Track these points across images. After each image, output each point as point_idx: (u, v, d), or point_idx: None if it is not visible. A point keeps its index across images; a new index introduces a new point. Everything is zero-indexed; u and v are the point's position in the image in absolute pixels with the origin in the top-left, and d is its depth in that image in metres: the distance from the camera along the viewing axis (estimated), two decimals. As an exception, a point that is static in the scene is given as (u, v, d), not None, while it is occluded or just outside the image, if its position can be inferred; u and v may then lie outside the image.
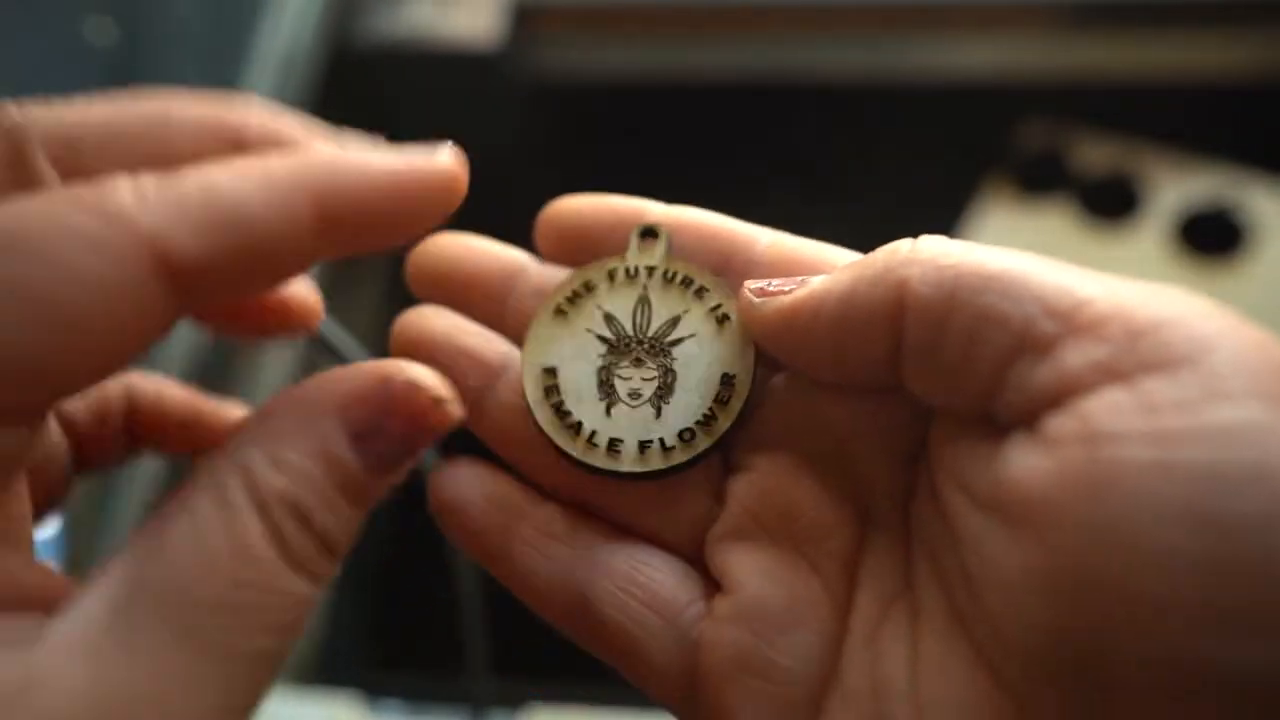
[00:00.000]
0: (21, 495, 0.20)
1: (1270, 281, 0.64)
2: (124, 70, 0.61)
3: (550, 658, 0.56)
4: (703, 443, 0.25)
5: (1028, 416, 0.20)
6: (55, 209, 0.18)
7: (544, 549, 0.25)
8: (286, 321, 0.25)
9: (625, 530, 0.25)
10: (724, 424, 0.25)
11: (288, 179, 0.19)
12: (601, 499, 0.26)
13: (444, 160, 0.21)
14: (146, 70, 0.62)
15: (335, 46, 0.67)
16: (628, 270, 0.27)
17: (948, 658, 0.21)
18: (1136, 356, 0.19)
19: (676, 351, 0.26)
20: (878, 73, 0.72)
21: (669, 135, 0.75)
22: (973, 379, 0.21)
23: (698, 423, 0.25)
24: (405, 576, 0.64)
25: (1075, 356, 0.20)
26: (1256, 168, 0.67)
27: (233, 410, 0.27)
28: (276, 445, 0.19)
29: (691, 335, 0.26)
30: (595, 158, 0.74)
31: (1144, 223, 0.67)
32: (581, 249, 0.27)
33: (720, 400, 0.25)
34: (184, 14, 0.64)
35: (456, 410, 0.21)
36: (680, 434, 0.25)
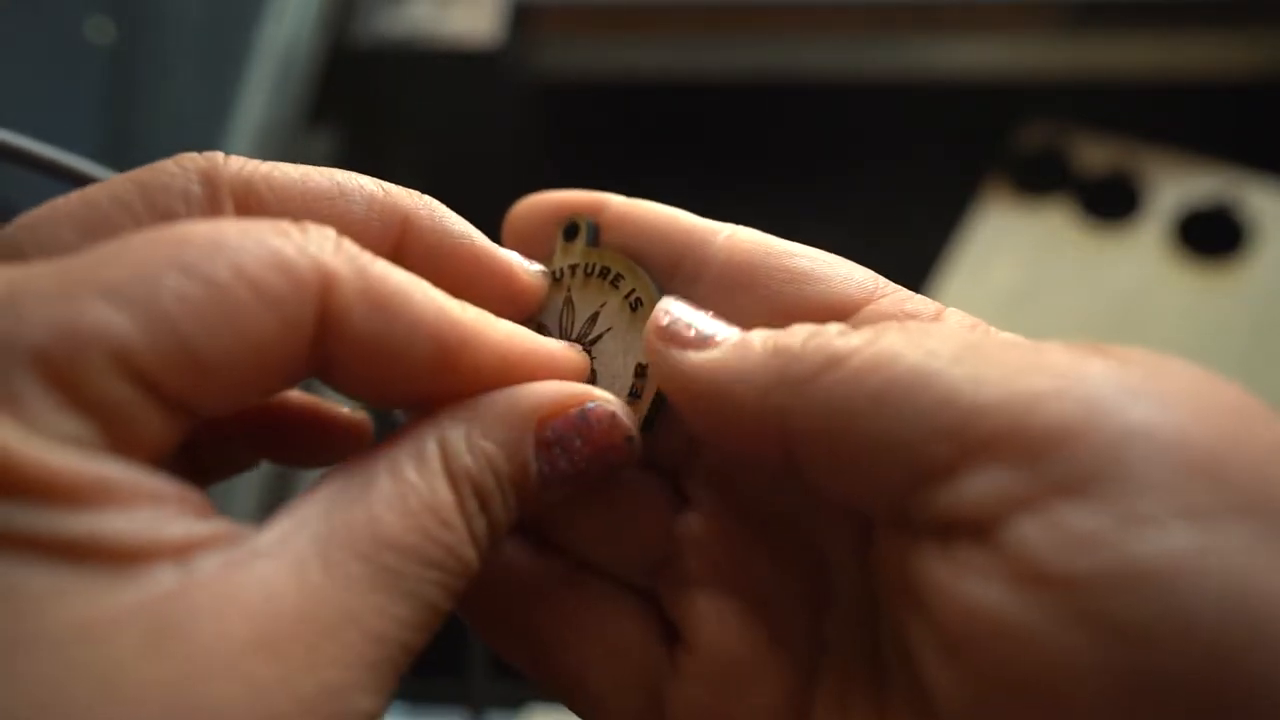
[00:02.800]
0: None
1: (1270, 281, 0.64)
2: (124, 69, 0.61)
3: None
4: None
5: (943, 537, 0.19)
6: (257, 227, 0.20)
7: (506, 593, 0.25)
8: (338, 443, 0.26)
9: (581, 565, 0.25)
10: (640, 414, 0.24)
11: (453, 319, 0.21)
12: (556, 530, 0.25)
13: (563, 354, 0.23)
14: (146, 70, 0.62)
15: (335, 46, 0.67)
16: (554, 274, 0.26)
17: None
18: (1043, 480, 0.18)
19: (596, 349, 0.25)
20: (877, 72, 0.72)
21: (669, 135, 0.75)
22: (878, 499, 0.20)
23: None
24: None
25: (977, 485, 0.18)
26: (1256, 168, 0.67)
27: (357, 414, 0.27)
28: (474, 430, 0.21)
29: (609, 329, 0.25)
30: (595, 158, 0.74)
31: (1144, 223, 0.67)
32: (541, 247, 0.27)
33: (634, 393, 0.24)
34: (184, 13, 0.64)
35: (639, 449, 0.23)
36: None
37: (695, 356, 0.22)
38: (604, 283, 0.25)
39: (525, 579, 0.24)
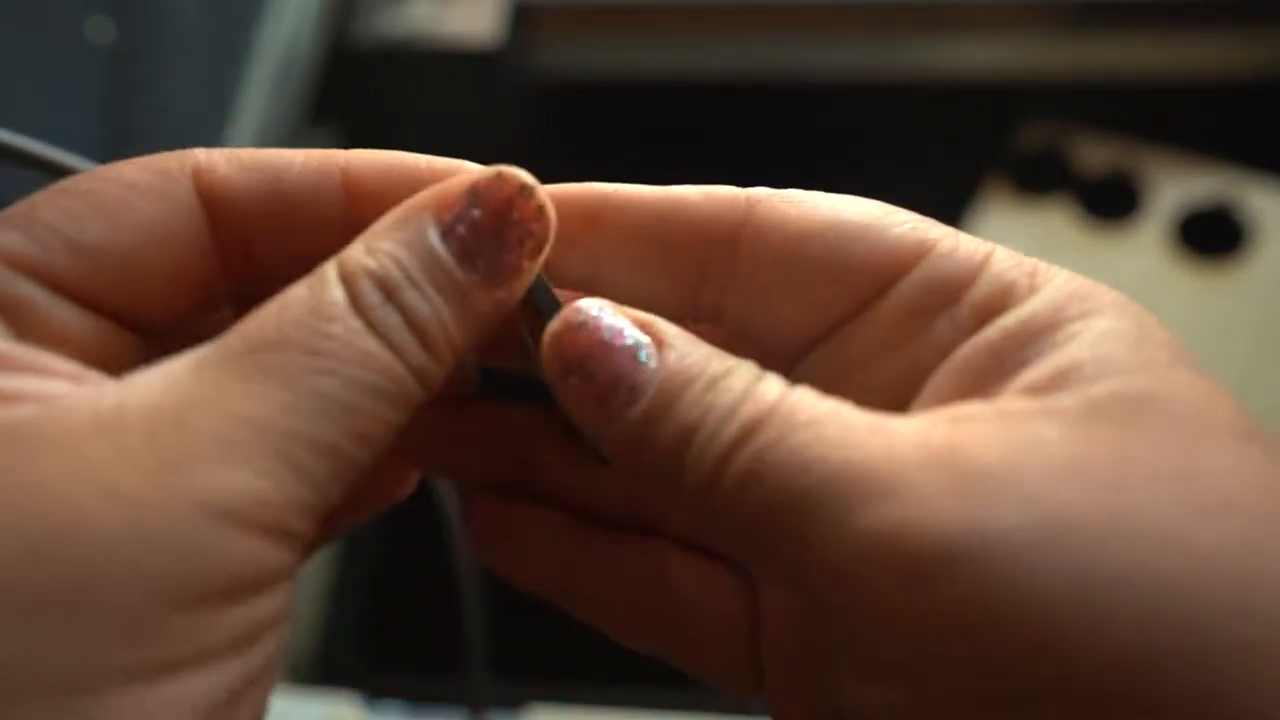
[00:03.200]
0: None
1: (1270, 281, 0.64)
2: (124, 69, 0.61)
3: (550, 658, 0.56)
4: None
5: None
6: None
7: (607, 574, 0.25)
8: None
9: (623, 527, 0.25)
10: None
11: (327, 153, 0.22)
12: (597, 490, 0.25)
13: (500, 168, 0.22)
14: (146, 70, 0.62)
15: (335, 46, 0.67)
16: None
17: None
18: None
19: None
20: (877, 72, 0.72)
21: (669, 135, 0.75)
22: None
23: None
24: (405, 576, 0.64)
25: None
26: (1256, 168, 0.67)
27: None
28: (371, 238, 0.21)
29: None
30: (595, 158, 0.74)
31: (1144, 223, 0.67)
32: None
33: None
34: (184, 14, 0.64)
35: (544, 200, 0.21)
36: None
37: (607, 426, 0.20)
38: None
39: (626, 578, 0.24)
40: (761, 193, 0.23)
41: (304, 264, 0.21)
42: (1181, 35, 0.69)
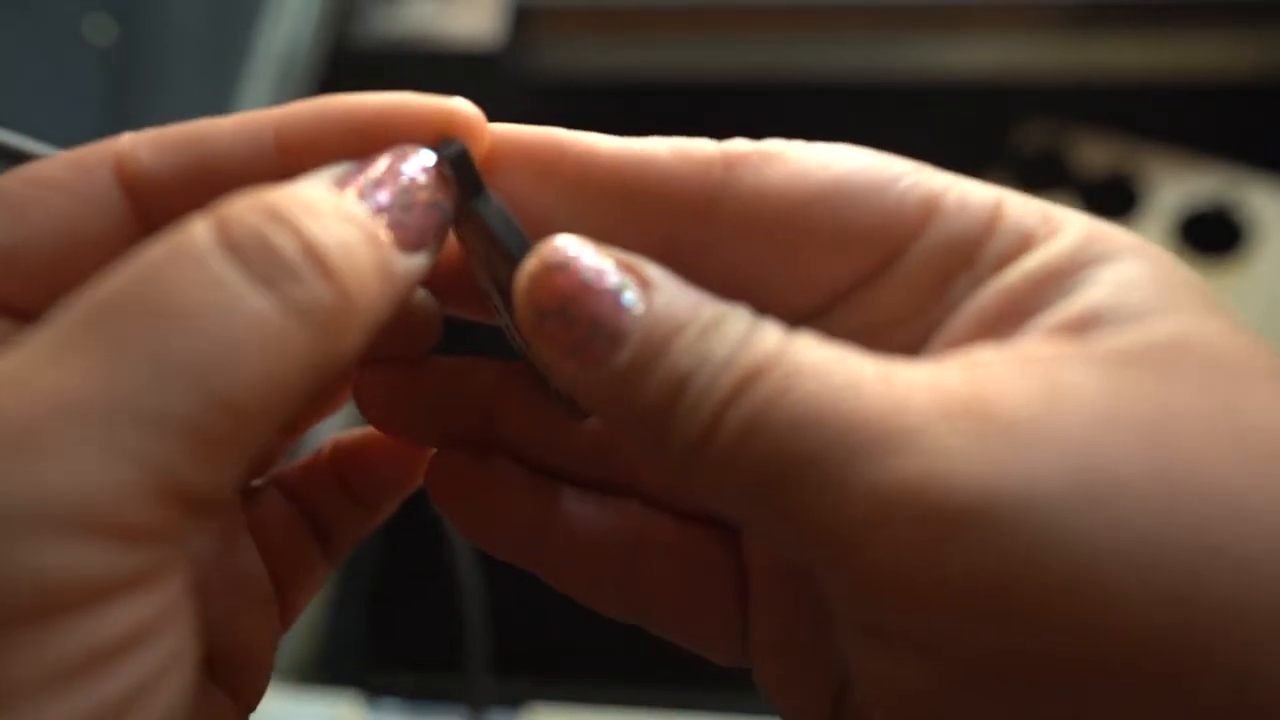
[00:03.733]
0: None
1: (1270, 281, 0.64)
2: (124, 69, 0.61)
3: (550, 657, 0.56)
4: (579, 413, 0.23)
5: None
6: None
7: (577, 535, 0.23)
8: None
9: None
10: (577, 409, 0.22)
11: (256, 117, 0.21)
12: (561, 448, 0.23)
13: (444, 101, 0.21)
14: (146, 70, 0.62)
15: (335, 47, 0.67)
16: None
17: None
18: None
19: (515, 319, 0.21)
20: (877, 72, 0.72)
21: (669, 135, 0.75)
22: None
23: (557, 392, 0.23)
24: (405, 576, 0.64)
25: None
26: (1256, 168, 0.67)
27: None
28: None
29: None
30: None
31: (1144, 222, 0.67)
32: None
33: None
34: (184, 14, 0.65)
35: (448, 173, 0.20)
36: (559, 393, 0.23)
37: (587, 375, 0.18)
38: (496, 250, 0.20)
39: (604, 542, 0.23)
40: (739, 150, 0.20)
41: None
42: (1181, 35, 0.69)
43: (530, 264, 0.18)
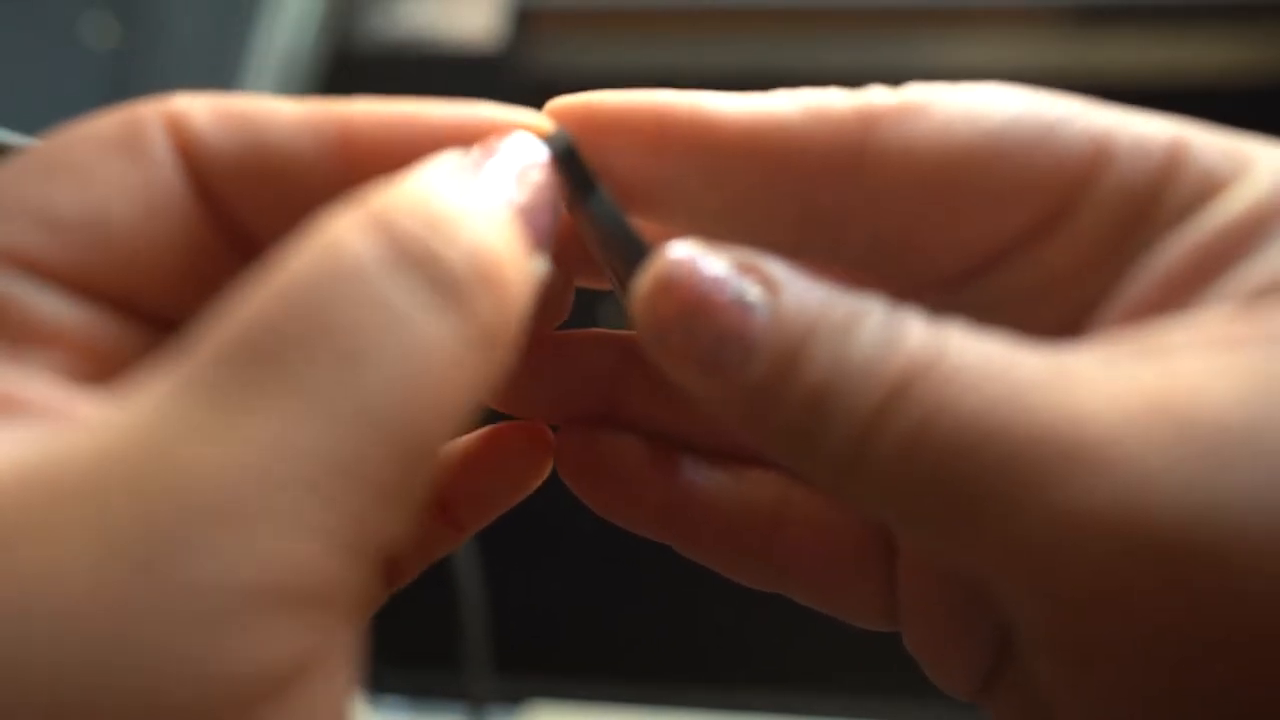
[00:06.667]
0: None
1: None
2: (124, 70, 0.61)
3: (551, 655, 0.56)
4: None
5: None
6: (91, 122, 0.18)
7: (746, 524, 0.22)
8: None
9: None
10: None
11: (321, 111, 0.19)
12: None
13: (522, 114, 0.19)
14: (146, 70, 0.62)
15: (335, 47, 0.68)
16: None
17: None
18: None
19: None
20: (878, 73, 0.72)
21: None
22: None
23: None
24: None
25: None
26: (1256, 167, 0.67)
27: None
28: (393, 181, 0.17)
29: None
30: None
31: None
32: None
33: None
34: (184, 14, 0.65)
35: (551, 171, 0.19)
36: None
37: (715, 389, 0.17)
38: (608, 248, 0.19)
39: (738, 511, 0.22)
40: (879, 105, 0.19)
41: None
42: (1181, 35, 0.69)
43: (644, 284, 0.17)
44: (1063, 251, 0.18)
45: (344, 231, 0.15)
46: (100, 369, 0.17)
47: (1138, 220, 0.18)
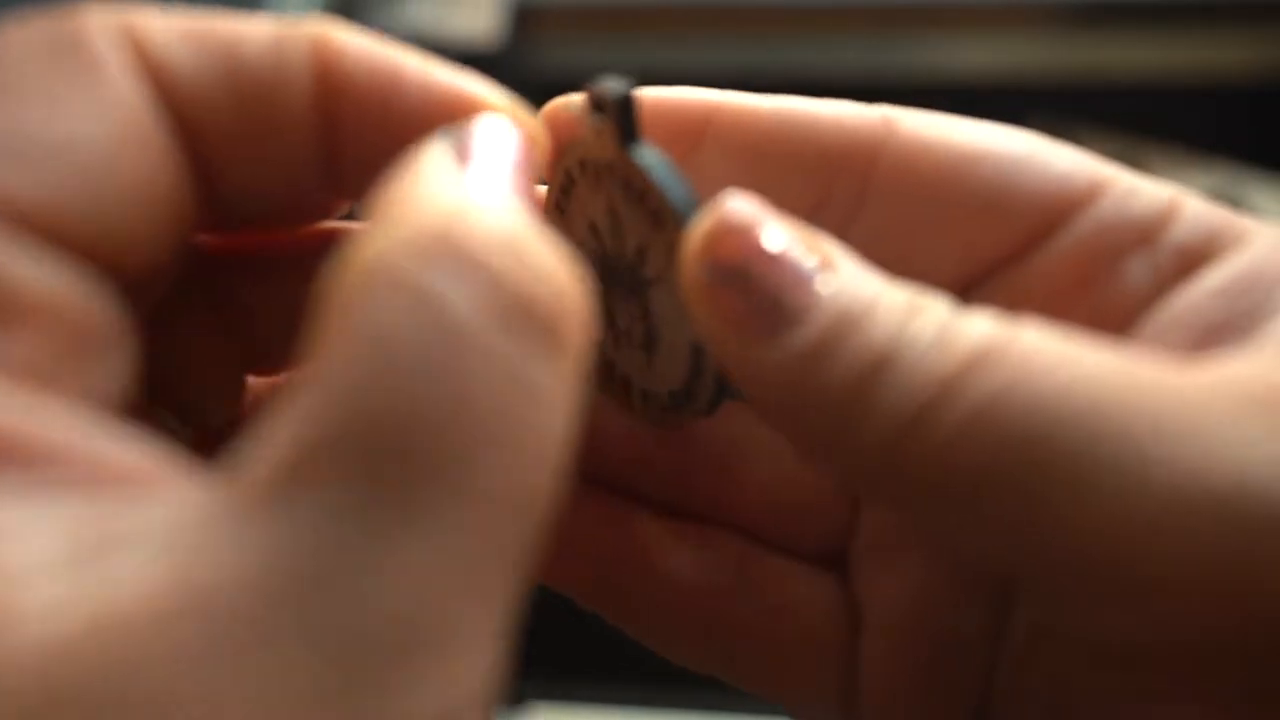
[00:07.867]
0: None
1: (1270, 281, 0.64)
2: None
3: (550, 657, 0.56)
4: (686, 416, 0.20)
5: None
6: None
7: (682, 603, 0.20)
8: None
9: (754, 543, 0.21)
10: (702, 405, 0.19)
11: (293, 34, 0.17)
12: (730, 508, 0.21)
13: (491, 97, 0.19)
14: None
15: (336, 46, 0.68)
16: (584, 165, 0.20)
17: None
18: None
19: (651, 295, 0.19)
20: (878, 72, 0.72)
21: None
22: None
23: (673, 392, 0.20)
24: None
25: None
26: (1256, 167, 0.67)
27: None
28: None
29: (658, 279, 0.19)
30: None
31: (1144, 222, 0.67)
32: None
33: (696, 375, 0.19)
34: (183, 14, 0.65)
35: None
36: (671, 394, 0.20)
37: (762, 353, 0.16)
38: (641, 209, 0.19)
39: (695, 581, 0.20)
40: (899, 112, 0.20)
41: (267, 182, 0.17)
42: (1181, 35, 0.69)
43: (709, 221, 0.16)
44: (1053, 264, 0.19)
45: (431, 279, 0.13)
46: (73, 348, 0.14)
47: (1133, 246, 0.18)
